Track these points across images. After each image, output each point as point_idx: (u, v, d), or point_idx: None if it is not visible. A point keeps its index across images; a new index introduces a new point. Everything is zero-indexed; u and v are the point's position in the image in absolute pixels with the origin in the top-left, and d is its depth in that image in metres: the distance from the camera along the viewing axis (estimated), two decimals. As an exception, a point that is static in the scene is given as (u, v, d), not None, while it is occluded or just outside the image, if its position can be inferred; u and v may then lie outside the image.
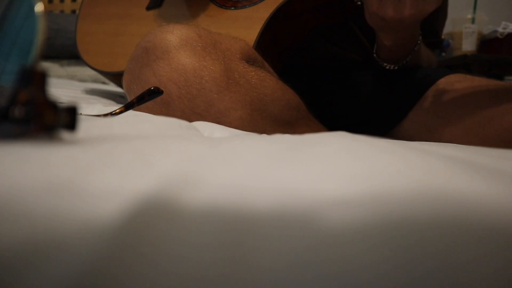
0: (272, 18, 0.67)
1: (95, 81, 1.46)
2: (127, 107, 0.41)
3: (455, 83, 0.69)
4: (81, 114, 0.38)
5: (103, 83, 1.44)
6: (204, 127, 0.46)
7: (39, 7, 0.21)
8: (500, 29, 1.92)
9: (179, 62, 0.51)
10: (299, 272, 0.13)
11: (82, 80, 1.46)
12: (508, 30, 1.90)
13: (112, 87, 1.22)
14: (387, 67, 0.71)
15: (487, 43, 1.99)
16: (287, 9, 0.68)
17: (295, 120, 0.59)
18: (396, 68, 0.71)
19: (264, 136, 0.33)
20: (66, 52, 1.46)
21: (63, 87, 1.08)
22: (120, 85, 0.88)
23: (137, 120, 0.35)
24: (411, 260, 0.13)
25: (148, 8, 0.85)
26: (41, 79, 0.21)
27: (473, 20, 2.01)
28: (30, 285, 0.12)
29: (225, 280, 0.13)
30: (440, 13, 0.84)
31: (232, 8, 0.73)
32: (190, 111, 0.52)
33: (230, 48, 0.57)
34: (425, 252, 0.14)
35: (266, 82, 0.57)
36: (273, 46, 0.71)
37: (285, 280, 0.13)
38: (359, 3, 0.61)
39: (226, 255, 0.14)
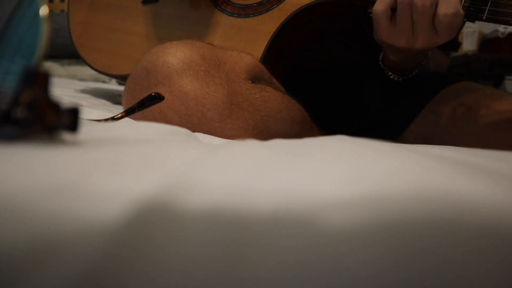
0: (278, 33, 0.64)
1: (95, 80, 1.46)
2: (128, 112, 0.41)
3: (458, 94, 0.68)
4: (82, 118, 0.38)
5: (104, 82, 1.44)
6: (203, 136, 0.47)
7: (43, 11, 0.21)
8: (501, 29, 1.91)
9: (180, 89, 0.49)
10: (298, 268, 0.13)
11: (82, 79, 1.46)
12: (509, 30, 1.89)
13: (113, 86, 1.22)
14: (392, 77, 0.69)
15: (488, 42, 1.99)
16: (294, 21, 0.65)
17: (298, 135, 0.57)
18: (400, 80, 0.69)
19: (263, 141, 0.33)
20: (66, 51, 1.46)
21: (64, 86, 1.08)
22: (120, 82, 0.88)
23: (139, 124, 0.36)
24: (408, 257, 0.14)
25: (144, 2, 0.82)
26: (44, 80, 0.21)
27: (473, 20, 2.00)
28: (35, 283, 0.12)
29: (225, 276, 0.13)
30: None
31: (236, 15, 0.69)
32: None
33: (235, 67, 0.54)
34: (422, 249, 0.14)
35: (270, 103, 0.55)
36: (279, 57, 0.68)
37: (284, 276, 0.13)
38: (371, 15, 0.58)
39: (226, 252, 0.14)
